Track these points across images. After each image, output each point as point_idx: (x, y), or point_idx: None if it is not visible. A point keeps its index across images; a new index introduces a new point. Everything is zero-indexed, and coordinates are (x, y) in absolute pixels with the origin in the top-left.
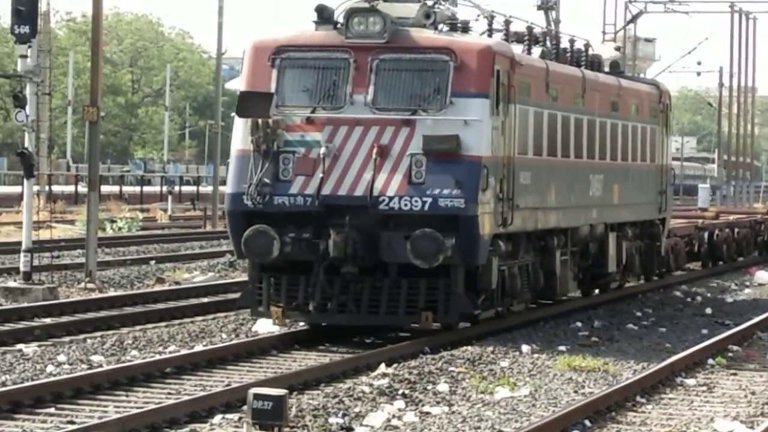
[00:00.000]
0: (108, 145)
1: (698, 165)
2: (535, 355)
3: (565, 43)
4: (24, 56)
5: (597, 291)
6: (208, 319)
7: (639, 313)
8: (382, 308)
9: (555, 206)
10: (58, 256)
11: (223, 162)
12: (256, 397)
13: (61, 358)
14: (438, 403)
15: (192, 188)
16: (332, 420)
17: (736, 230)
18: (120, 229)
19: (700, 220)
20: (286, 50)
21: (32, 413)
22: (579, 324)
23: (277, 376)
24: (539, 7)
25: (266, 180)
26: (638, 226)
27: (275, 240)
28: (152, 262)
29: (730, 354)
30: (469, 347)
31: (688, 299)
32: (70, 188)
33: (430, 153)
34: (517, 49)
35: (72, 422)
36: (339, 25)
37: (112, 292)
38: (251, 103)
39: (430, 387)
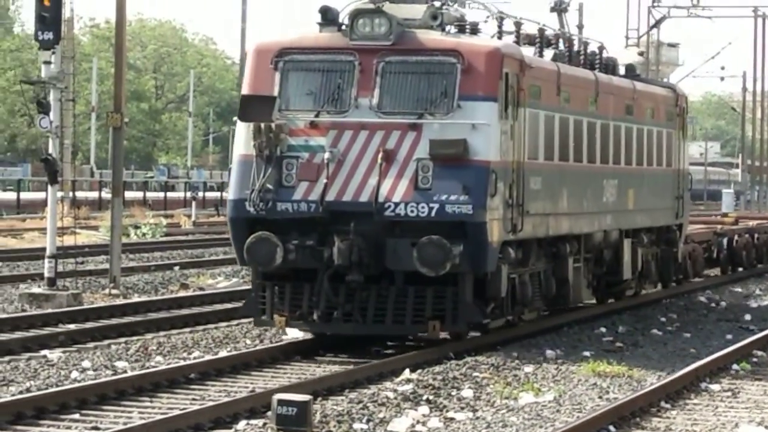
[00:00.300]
0: (132, 151)
1: (723, 170)
2: (560, 361)
3: (578, 46)
4: (48, 62)
5: (612, 299)
6: (232, 325)
7: (663, 319)
8: (388, 317)
9: (567, 212)
10: (82, 262)
11: None
12: (281, 402)
13: (86, 364)
14: (462, 408)
15: (216, 194)
16: (356, 426)
17: (756, 236)
18: (144, 235)
19: (719, 226)
20: (289, 53)
21: (57, 419)
22: (603, 329)
23: (301, 381)
24: (552, 9)
25: (269, 186)
26: (654, 232)
27: (278, 247)
28: (176, 268)
29: (755, 359)
30: (494, 353)
31: (713, 305)
32: (94, 194)
33: (437, 158)
34: (529, 51)
35: (96, 428)
36: (344, 27)
37: (136, 298)
38: (253, 107)
39: (454, 393)
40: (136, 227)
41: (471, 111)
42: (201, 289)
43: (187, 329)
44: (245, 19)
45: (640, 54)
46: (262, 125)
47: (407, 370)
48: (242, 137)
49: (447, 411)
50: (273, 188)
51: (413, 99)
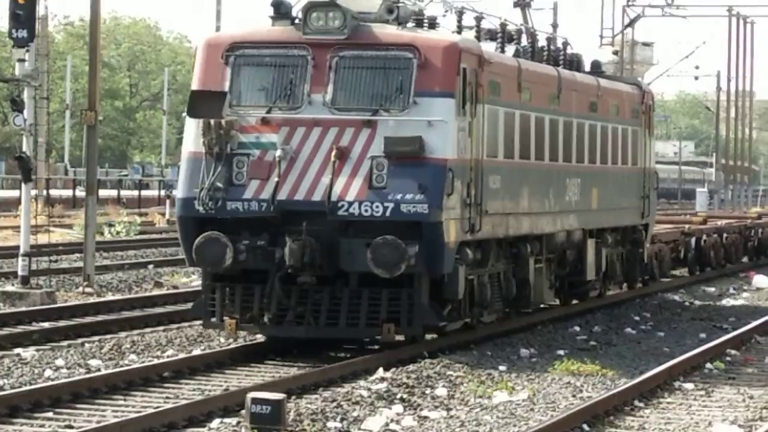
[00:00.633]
0: (106, 149)
1: (697, 169)
2: (534, 360)
3: (542, 42)
4: (22, 60)
5: (576, 300)
6: None
7: (637, 318)
8: (341, 320)
9: (528, 212)
10: (56, 260)
11: None
12: (255, 401)
13: (59, 362)
14: (436, 407)
15: None
16: (330, 424)
17: (724, 236)
18: (118, 233)
19: (687, 226)
20: (240, 47)
21: (30, 417)
22: (577, 328)
23: (275, 380)
24: (516, 4)
25: (219, 184)
26: (619, 232)
27: (228, 248)
28: (150, 267)
29: (729, 358)
30: (468, 351)
31: (686, 303)
32: (68, 192)
33: (392, 155)
34: (491, 47)
35: (70, 427)
36: (297, 21)
37: (110, 297)
38: (203, 103)
39: (428, 391)
40: (110, 225)
41: (427, 107)
42: (175, 287)
43: (161, 328)
44: (220, 18)
45: (615, 53)
46: (212, 121)
47: (381, 369)
48: (191, 134)
49: (421, 410)
50: (223, 186)
51: (368, 95)
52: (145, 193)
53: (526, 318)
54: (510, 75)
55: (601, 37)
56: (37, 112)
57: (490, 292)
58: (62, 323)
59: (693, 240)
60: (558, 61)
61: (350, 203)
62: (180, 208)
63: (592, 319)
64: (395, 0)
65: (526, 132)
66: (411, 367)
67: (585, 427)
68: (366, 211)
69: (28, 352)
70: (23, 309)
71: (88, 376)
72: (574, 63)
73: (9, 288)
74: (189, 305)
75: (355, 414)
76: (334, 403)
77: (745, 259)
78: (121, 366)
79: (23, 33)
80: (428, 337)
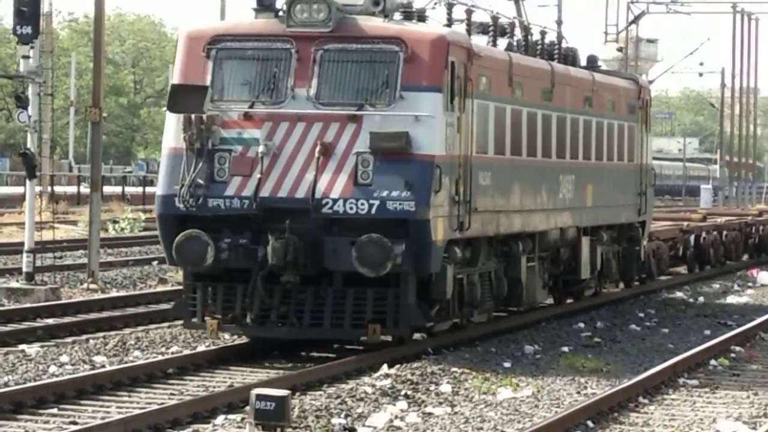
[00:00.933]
0: (110, 145)
1: (702, 166)
2: (538, 356)
3: (536, 36)
4: (26, 57)
5: (571, 299)
6: None
7: (641, 314)
8: (326, 320)
9: (519, 209)
10: (60, 257)
11: None
12: (259, 397)
13: (64, 358)
14: (441, 403)
15: None
16: (335, 421)
17: (724, 233)
18: (122, 229)
19: (686, 223)
20: (222, 40)
21: (35, 414)
22: (582, 325)
23: (279, 376)
24: None
25: (200, 181)
26: (615, 230)
27: (209, 246)
28: (155, 263)
29: (733, 355)
30: (472, 348)
31: (690, 300)
32: (72, 189)
33: (378, 151)
34: (482, 41)
35: (74, 423)
36: (280, 13)
37: (114, 293)
38: (184, 98)
39: (432, 388)
40: (115, 222)
41: (414, 102)
42: (179, 283)
43: (165, 324)
44: (224, 14)
45: (619, 50)
46: (193, 117)
47: (385, 366)
48: (172, 129)
49: (425, 406)
50: (204, 183)
51: (353, 89)
52: (149, 189)
53: (530, 315)
54: (500, 69)
55: (606, 33)
56: (42, 109)
57: (480, 292)
58: (67, 319)
59: (692, 237)
60: (552, 55)
61: (335, 200)
62: (160, 206)
63: (596, 315)
64: None
65: (517, 127)
66: (415, 363)
67: (589, 423)
68: (351, 208)
69: (32, 349)
70: (28, 305)
71: (92, 372)
72: (569, 57)
73: (13, 284)
74: None
75: (359, 410)
76: (339, 400)
77: (745, 257)
78: (126, 362)
79: (28, 30)
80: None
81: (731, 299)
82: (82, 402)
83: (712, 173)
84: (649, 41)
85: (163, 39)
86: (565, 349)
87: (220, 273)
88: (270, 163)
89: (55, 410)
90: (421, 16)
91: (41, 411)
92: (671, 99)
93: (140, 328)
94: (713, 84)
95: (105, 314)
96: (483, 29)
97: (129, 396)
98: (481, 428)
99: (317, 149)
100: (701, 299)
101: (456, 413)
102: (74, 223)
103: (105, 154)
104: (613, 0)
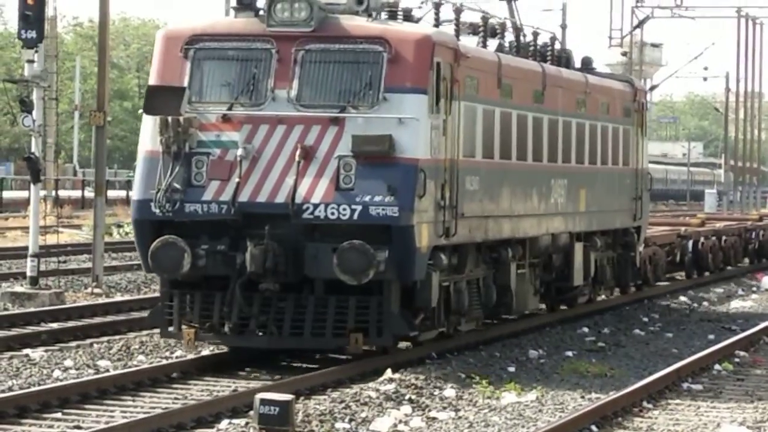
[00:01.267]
0: (115, 149)
1: (707, 170)
2: (542, 361)
3: (529, 37)
4: (31, 61)
5: (564, 306)
6: None
7: (646, 319)
8: (306, 329)
9: (509, 214)
10: (64, 261)
11: None
12: (263, 402)
13: (68, 362)
14: (444, 408)
15: None
16: (339, 425)
17: (723, 238)
18: (127, 233)
19: (684, 228)
20: (200, 40)
21: (39, 418)
22: (586, 329)
23: (283, 381)
24: None
25: (176, 185)
26: (610, 235)
27: (186, 253)
28: None
29: (737, 359)
30: (476, 352)
31: (695, 305)
32: (76, 193)
33: (361, 155)
34: (472, 42)
35: (79, 427)
36: (261, 12)
37: (118, 297)
38: (160, 99)
39: (436, 392)
40: (119, 226)
41: (398, 104)
42: None
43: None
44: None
45: (624, 54)
46: (170, 119)
47: (389, 370)
48: (148, 132)
49: (429, 410)
50: (181, 188)
51: (335, 91)
52: None
53: (534, 319)
54: (489, 70)
55: (610, 38)
56: (46, 113)
57: (467, 300)
58: (71, 324)
59: (690, 243)
60: (546, 56)
61: (316, 206)
62: (135, 211)
63: (600, 320)
64: None
65: (507, 130)
66: (419, 368)
67: (593, 428)
68: (332, 213)
69: (36, 353)
70: (32, 309)
71: (96, 376)
72: (562, 59)
73: (18, 288)
74: None
75: (363, 415)
76: (343, 404)
77: (745, 262)
78: (130, 367)
79: (32, 34)
80: (436, 338)
81: (735, 304)
82: (87, 406)
83: (717, 178)
84: (654, 46)
85: None
86: (570, 353)
87: (198, 280)
88: (249, 166)
89: (59, 415)
90: (407, 16)
91: (45, 415)
92: (676, 103)
93: (144, 332)
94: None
95: (109, 318)
96: (473, 30)
97: (133, 400)
98: None
99: (298, 152)
100: (705, 304)
101: (460, 418)
102: (78, 227)
103: (109, 159)
104: (618, 4)
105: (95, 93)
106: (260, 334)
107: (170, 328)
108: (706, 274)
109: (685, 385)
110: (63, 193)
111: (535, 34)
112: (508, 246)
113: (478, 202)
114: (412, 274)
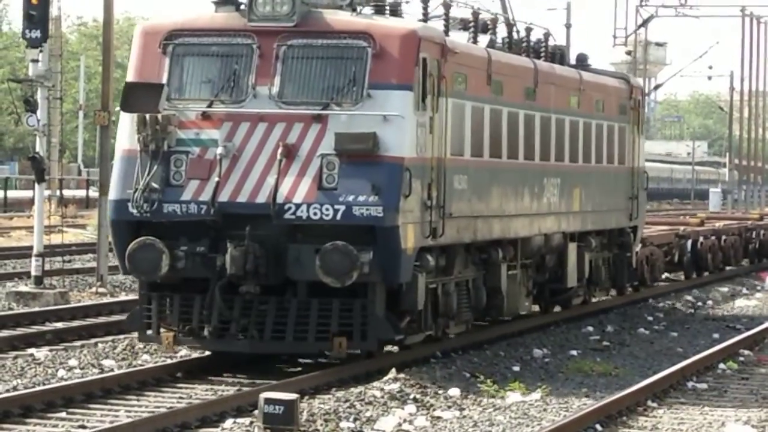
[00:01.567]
0: None
1: (712, 169)
2: (547, 360)
3: (523, 32)
4: (35, 61)
5: (559, 308)
6: None
7: (650, 318)
8: (288, 333)
9: (499, 214)
10: (69, 261)
11: None
12: (268, 401)
13: (73, 362)
14: (449, 407)
15: None
16: (343, 424)
17: (723, 238)
18: None
19: (682, 228)
20: (179, 35)
21: (44, 417)
22: (590, 328)
23: (288, 380)
24: None
25: (154, 185)
26: (605, 235)
27: (164, 254)
28: None
29: (742, 358)
30: (481, 351)
31: (699, 303)
32: (81, 192)
33: (344, 153)
34: (463, 37)
35: (83, 427)
36: (242, 7)
37: (123, 297)
38: (138, 96)
39: (441, 391)
40: None
41: (382, 101)
42: None
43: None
44: None
45: (628, 53)
46: (148, 116)
47: (394, 369)
48: (126, 130)
49: (434, 410)
50: (159, 187)
51: (318, 87)
52: None
53: (539, 318)
54: (478, 66)
55: (615, 37)
56: (51, 113)
57: (456, 302)
58: (75, 323)
59: (689, 243)
60: (539, 53)
61: (298, 206)
62: (112, 211)
63: (605, 319)
64: None
65: (497, 128)
66: (424, 367)
67: (598, 427)
68: (315, 214)
69: (41, 352)
70: (37, 309)
71: (101, 376)
72: (556, 55)
73: (22, 288)
74: None
75: (368, 414)
76: (347, 403)
77: (745, 262)
78: (134, 366)
79: (37, 33)
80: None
81: (739, 303)
82: (91, 406)
83: (722, 177)
84: (658, 45)
85: None
86: (574, 352)
87: (177, 283)
88: (229, 165)
89: (63, 414)
90: (395, 10)
91: (50, 415)
92: (680, 102)
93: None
94: (722, 87)
95: (114, 318)
96: (464, 25)
97: (138, 400)
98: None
99: (279, 151)
100: (709, 303)
101: (465, 417)
102: (83, 226)
103: (113, 158)
104: (622, 3)
105: (100, 92)
106: (241, 338)
107: (148, 332)
108: (706, 274)
109: (689, 384)
110: (67, 193)
111: (528, 30)
112: (499, 247)
113: (467, 202)
114: (398, 276)
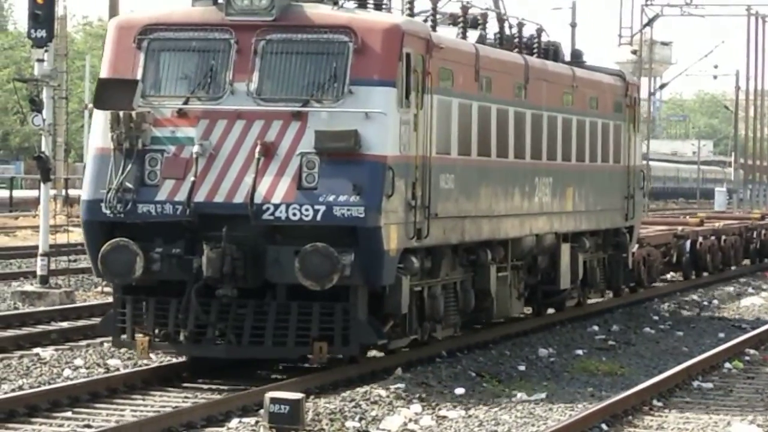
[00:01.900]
0: None
1: (718, 169)
2: (552, 359)
3: (515, 28)
4: (41, 60)
5: (553, 310)
6: None
7: (656, 317)
8: (267, 338)
9: (488, 214)
10: (74, 260)
11: None
12: (273, 401)
13: (78, 361)
14: (455, 406)
15: None
16: (349, 424)
17: (723, 238)
18: None
19: (680, 228)
20: (155, 29)
21: (49, 417)
22: (596, 328)
23: (294, 380)
24: None
25: (128, 184)
26: (600, 236)
27: (138, 256)
28: None
29: (747, 358)
30: (486, 351)
31: (705, 303)
32: None
33: (324, 152)
34: (452, 33)
35: (89, 426)
36: (219, 1)
37: None
38: (112, 93)
39: (446, 391)
40: None
41: (364, 97)
42: None
43: None
44: None
45: (633, 52)
46: (121, 114)
47: (399, 369)
48: (99, 128)
49: (439, 409)
50: (133, 187)
51: (298, 84)
52: None
53: (545, 318)
54: (465, 62)
55: (620, 36)
56: (56, 112)
57: (443, 305)
58: (81, 323)
59: (687, 243)
60: (532, 49)
61: (276, 206)
62: (85, 212)
63: (610, 318)
64: None
65: (485, 126)
66: (429, 366)
67: (603, 426)
68: (294, 214)
69: (47, 352)
70: (42, 309)
71: (106, 375)
72: (550, 51)
73: (28, 288)
74: None
75: (373, 413)
76: (353, 403)
77: (746, 262)
78: (140, 366)
79: (42, 33)
80: (445, 337)
81: (745, 302)
82: (97, 405)
83: (728, 176)
84: (664, 44)
85: None
86: (580, 352)
87: (152, 286)
88: (206, 164)
89: (69, 413)
90: (378, 5)
91: (55, 414)
92: (685, 102)
93: None
94: (728, 87)
95: None
96: (453, 21)
97: (143, 399)
98: (496, 431)
99: (258, 149)
100: (715, 302)
101: (470, 416)
102: None
103: None
104: (628, 3)
105: None
106: (219, 343)
107: (123, 337)
108: (705, 274)
109: (695, 384)
110: (73, 192)
111: (520, 26)
112: (488, 248)
113: (454, 202)
114: (380, 279)
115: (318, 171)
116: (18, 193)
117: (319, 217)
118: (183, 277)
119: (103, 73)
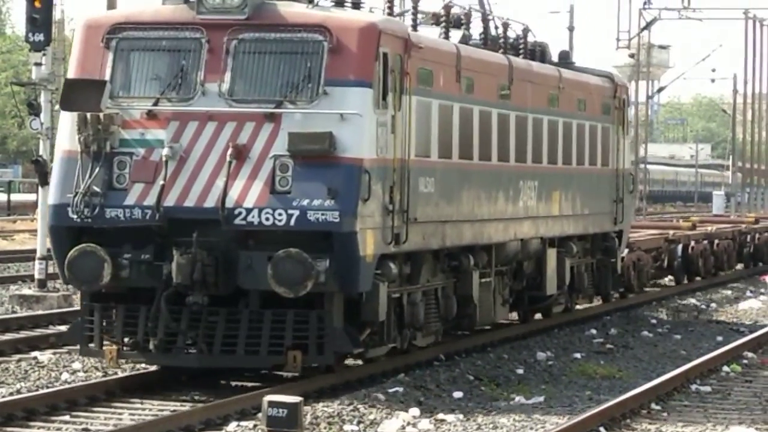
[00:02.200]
0: None
1: (716, 172)
2: (550, 363)
3: (501, 28)
4: (38, 64)
5: (540, 316)
6: None
7: (654, 321)
8: (239, 346)
9: (470, 219)
10: None
11: None
12: (271, 404)
13: (76, 365)
14: (453, 410)
15: None
16: (347, 427)
17: (715, 242)
18: None
19: (672, 232)
20: (124, 29)
21: (47, 421)
22: (594, 331)
23: (292, 383)
24: None
25: (96, 188)
26: (588, 240)
27: (106, 262)
28: None
29: (745, 361)
30: (484, 354)
31: (703, 306)
32: None
33: (298, 155)
34: (434, 33)
35: (87, 430)
36: None
37: None
38: (79, 94)
39: (444, 394)
40: None
41: (339, 98)
42: None
43: None
44: None
45: (631, 56)
46: (89, 115)
47: (398, 373)
48: (66, 130)
49: (438, 412)
50: (101, 191)
51: (271, 84)
52: None
53: (543, 321)
54: (446, 62)
55: (618, 39)
56: (54, 116)
57: (423, 312)
58: None
59: (679, 247)
60: (518, 50)
61: (249, 210)
62: (51, 217)
63: (608, 322)
64: None
65: (467, 128)
66: (428, 370)
67: (602, 430)
68: (267, 219)
69: (44, 356)
70: (40, 312)
71: (104, 379)
72: (536, 52)
73: (26, 291)
74: None
75: (371, 417)
76: (351, 406)
77: (739, 267)
78: (138, 369)
79: (40, 37)
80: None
81: (743, 305)
82: (95, 409)
83: (726, 179)
84: (661, 47)
85: None
86: (578, 355)
87: (121, 293)
88: (176, 168)
89: (67, 417)
90: (356, 4)
91: (53, 418)
92: (683, 105)
93: None
94: (725, 90)
95: None
96: (435, 20)
97: (141, 403)
98: None
99: (229, 152)
100: (713, 305)
101: (468, 420)
102: None
103: None
104: (625, 6)
105: None
106: (190, 351)
107: (91, 345)
108: (697, 279)
109: (693, 387)
110: None
111: (505, 26)
112: (471, 253)
113: (434, 206)
114: (357, 286)
115: (292, 174)
116: (16, 197)
117: (292, 222)
118: (152, 284)
119: (71, 74)
